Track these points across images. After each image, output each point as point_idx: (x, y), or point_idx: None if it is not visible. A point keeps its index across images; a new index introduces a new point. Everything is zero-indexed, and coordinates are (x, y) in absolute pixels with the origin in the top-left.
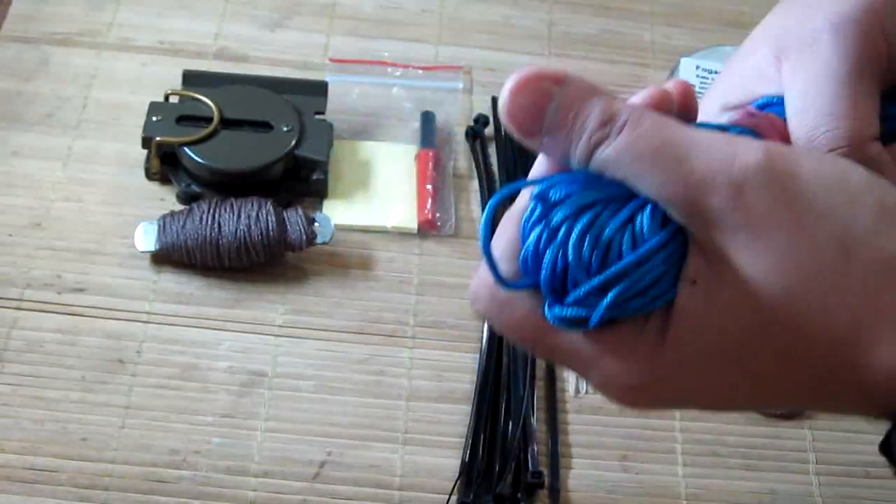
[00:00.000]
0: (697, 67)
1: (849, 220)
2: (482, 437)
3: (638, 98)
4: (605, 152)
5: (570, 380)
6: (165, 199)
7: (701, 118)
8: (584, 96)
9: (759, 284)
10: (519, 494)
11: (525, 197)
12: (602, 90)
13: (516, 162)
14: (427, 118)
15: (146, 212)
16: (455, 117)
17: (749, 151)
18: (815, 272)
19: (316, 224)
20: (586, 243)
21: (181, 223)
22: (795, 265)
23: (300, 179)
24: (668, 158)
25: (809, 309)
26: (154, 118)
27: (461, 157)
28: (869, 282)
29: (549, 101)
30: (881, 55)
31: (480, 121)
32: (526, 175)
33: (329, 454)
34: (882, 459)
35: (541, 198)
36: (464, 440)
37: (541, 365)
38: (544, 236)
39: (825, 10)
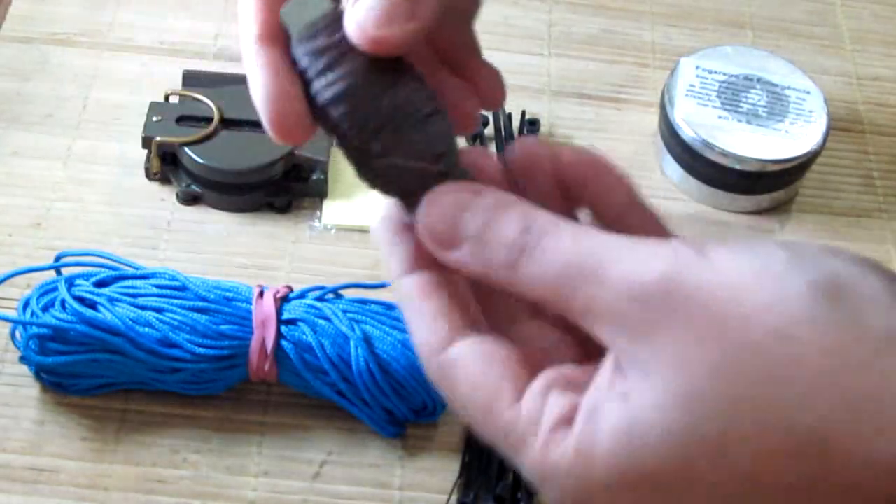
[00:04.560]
0: (697, 67)
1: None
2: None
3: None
4: (528, 269)
5: None
6: (165, 199)
7: None
8: (502, 205)
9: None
10: (519, 494)
11: None
12: (520, 199)
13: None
14: None
15: (146, 212)
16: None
17: (653, 264)
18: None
19: None
20: None
21: None
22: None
23: (300, 179)
24: (587, 275)
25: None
26: (154, 118)
27: None
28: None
29: (465, 211)
30: None
31: (480, 121)
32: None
33: (329, 454)
34: None
35: None
36: (464, 440)
37: None
38: None
39: None
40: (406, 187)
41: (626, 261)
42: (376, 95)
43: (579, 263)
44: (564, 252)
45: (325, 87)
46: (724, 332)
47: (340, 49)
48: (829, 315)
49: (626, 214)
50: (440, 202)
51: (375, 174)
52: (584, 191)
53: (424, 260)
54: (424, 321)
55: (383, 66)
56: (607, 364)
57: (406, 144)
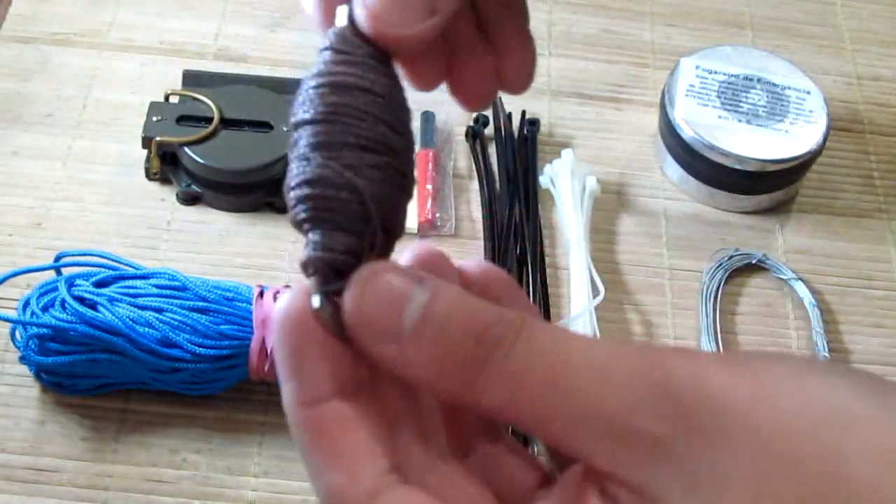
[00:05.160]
0: (697, 67)
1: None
2: None
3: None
4: (502, 365)
5: None
6: (165, 199)
7: None
8: (459, 293)
9: None
10: None
11: None
12: (475, 300)
13: (516, 162)
14: (427, 118)
15: (146, 212)
16: (455, 117)
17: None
18: None
19: None
20: None
21: None
22: None
23: None
24: (590, 375)
25: None
26: (154, 118)
27: (461, 157)
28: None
29: (412, 296)
30: None
31: (480, 121)
32: (525, 175)
33: None
34: None
35: None
36: None
37: None
38: None
39: None
40: (340, 221)
41: (638, 365)
42: (381, 109)
43: (576, 359)
44: (554, 345)
45: (329, 71)
46: (763, 444)
47: (362, 53)
48: (875, 412)
49: None
50: (380, 277)
51: (326, 183)
52: None
53: (343, 375)
54: (344, 460)
55: (400, 102)
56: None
57: (377, 183)
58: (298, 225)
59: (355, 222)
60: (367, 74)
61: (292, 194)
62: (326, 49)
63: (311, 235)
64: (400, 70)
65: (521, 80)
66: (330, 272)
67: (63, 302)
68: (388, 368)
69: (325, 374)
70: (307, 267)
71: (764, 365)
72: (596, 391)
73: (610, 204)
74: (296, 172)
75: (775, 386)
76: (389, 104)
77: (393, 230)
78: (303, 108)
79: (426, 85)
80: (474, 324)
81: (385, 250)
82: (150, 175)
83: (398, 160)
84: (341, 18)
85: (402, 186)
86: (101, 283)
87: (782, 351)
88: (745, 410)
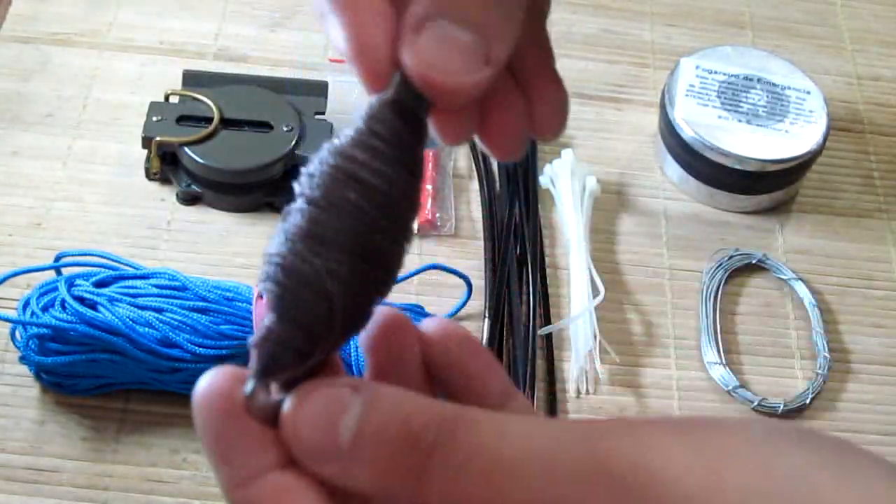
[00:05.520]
0: (697, 67)
1: None
2: None
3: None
4: (444, 462)
5: (570, 381)
6: (165, 199)
7: None
8: (393, 398)
9: None
10: None
11: None
12: (411, 400)
13: (516, 162)
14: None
15: (146, 212)
16: None
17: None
18: None
19: None
20: None
21: None
22: None
23: None
24: (530, 467)
25: None
26: (154, 118)
27: (461, 157)
28: None
29: (345, 413)
30: None
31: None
32: (525, 175)
33: None
34: None
35: None
36: None
37: (541, 366)
38: None
39: None
40: (301, 320)
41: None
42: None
43: (517, 453)
44: (492, 440)
45: (351, 155)
46: None
47: (395, 139)
48: (839, 487)
49: (505, 406)
50: (313, 398)
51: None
52: (455, 376)
53: (276, 448)
54: None
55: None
56: None
57: (355, 293)
58: (261, 297)
59: (317, 325)
60: (388, 170)
61: (266, 268)
62: (362, 121)
63: (268, 318)
64: (431, 125)
65: (555, 125)
66: (273, 363)
67: (63, 302)
68: (331, 483)
69: (257, 452)
70: (253, 348)
71: (717, 437)
72: (541, 485)
73: (610, 204)
74: (276, 250)
75: (728, 462)
76: (400, 208)
77: (353, 332)
78: (311, 181)
79: (457, 139)
80: (409, 430)
81: (337, 348)
82: (150, 175)
83: (386, 273)
84: (390, 88)
85: (379, 297)
86: (101, 283)
87: (742, 417)
88: (694, 493)
